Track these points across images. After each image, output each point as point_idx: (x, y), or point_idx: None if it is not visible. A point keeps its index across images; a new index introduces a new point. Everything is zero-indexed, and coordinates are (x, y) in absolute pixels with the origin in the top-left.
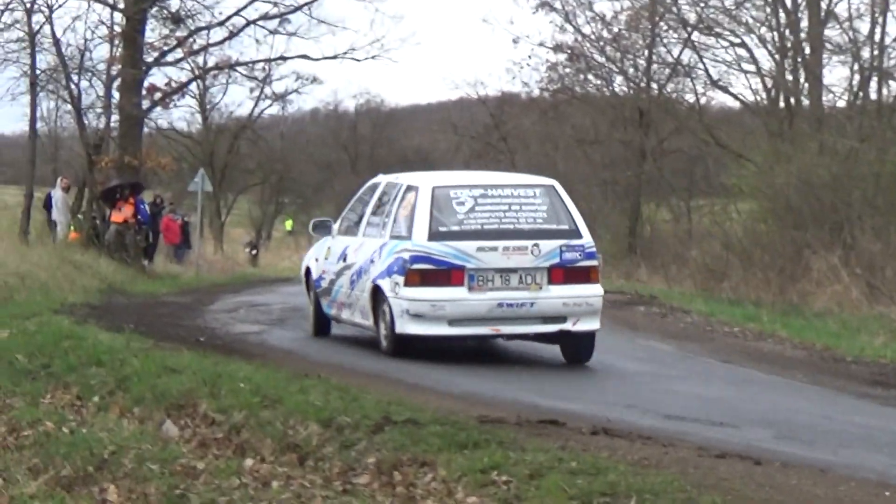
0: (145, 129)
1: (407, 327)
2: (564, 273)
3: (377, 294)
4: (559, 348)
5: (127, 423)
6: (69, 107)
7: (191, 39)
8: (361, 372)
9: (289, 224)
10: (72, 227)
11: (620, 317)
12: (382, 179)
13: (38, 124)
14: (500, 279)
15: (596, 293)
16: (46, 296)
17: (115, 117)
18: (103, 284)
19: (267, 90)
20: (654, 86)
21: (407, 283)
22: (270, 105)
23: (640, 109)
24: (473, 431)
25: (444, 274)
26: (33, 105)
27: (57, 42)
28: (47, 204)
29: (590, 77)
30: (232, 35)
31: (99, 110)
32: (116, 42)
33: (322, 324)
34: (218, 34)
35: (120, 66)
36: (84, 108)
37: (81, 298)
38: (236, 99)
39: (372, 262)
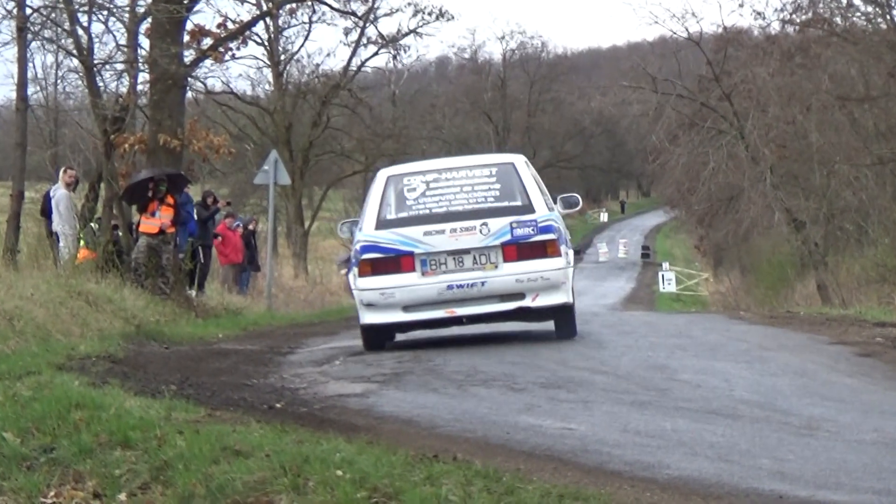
0: (189, 94)
1: (366, 318)
2: (518, 250)
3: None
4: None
5: None
6: (75, 62)
7: None
8: (517, 449)
9: None
10: (82, 242)
11: None
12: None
13: (31, 89)
14: (453, 262)
15: (552, 267)
16: (46, 345)
17: (143, 76)
18: (129, 326)
19: (370, 32)
20: None
21: (360, 274)
22: (376, 54)
23: None
24: None
25: (393, 261)
26: (22, 61)
27: None
28: (45, 208)
29: (856, 3)
30: None
31: (120, 66)
32: None
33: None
34: None
35: (150, 0)
36: (98, 64)
37: (98, 348)
38: (325, 46)
39: (350, 258)
